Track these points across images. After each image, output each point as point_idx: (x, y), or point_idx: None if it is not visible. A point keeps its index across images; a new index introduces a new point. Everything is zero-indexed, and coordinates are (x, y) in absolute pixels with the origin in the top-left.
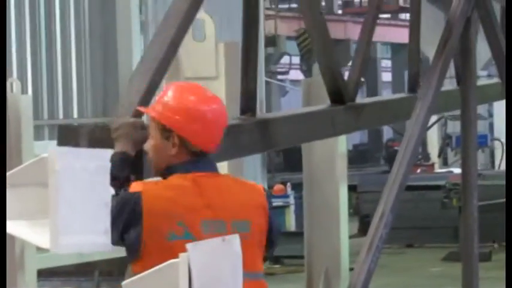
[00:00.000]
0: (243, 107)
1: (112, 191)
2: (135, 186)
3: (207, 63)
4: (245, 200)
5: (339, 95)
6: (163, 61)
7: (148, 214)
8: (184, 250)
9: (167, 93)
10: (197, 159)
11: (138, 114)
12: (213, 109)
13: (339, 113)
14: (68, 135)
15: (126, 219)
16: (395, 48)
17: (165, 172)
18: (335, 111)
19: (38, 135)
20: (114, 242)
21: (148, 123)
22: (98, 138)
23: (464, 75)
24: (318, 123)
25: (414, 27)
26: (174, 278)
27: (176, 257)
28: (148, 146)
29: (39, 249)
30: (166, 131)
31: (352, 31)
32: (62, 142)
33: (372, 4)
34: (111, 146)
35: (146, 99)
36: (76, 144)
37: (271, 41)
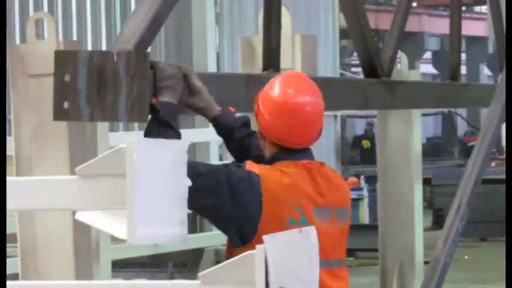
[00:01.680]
0: (265, 63)
1: (189, 181)
2: (250, 166)
3: (283, 54)
4: (344, 188)
5: (372, 69)
6: None
7: (269, 198)
8: None
9: (266, 87)
10: (298, 150)
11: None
12: (301, 104)
13: (372, 86)
14: (66, 60)
15: (242, 197)
16: (470, 41)
17: (270, 158)
18: (368, 83)
19: (113, 126)
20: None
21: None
22: (96, 63)
23: None
24: (349, 93)
25: (454, 18)
26: (251, 269)
27: None
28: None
29: (114, 240)
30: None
31: (427, 24)
32: (60, 67)
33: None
34: (109, 72)
35: (150, 29)
36: (75, 68)
37: (346, 33)
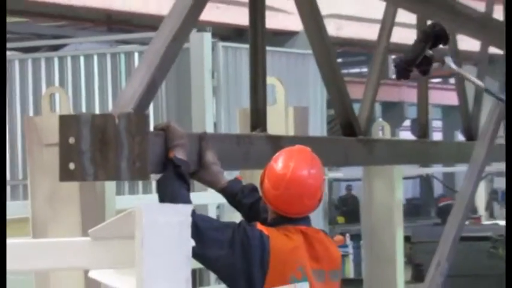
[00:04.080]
0: (253, 123)
1: (193, 242)
2: (260, 227)
3: (278, 124)
4: (335, 253)
5: (350, 128)
6: (165, 57)
7: (276, 258)
8: None
9: (272, 160)
10: (300, 218)
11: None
12: (302, 176)
13: (350, 143)
14: (69, 123)
15: (253, 253)
16: (446, 110)
17: (274, 220)
18: (347, 141)
19: (119, 190)
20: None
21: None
22: (99, 125)
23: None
24: (330, 150)
25: (422, 86)
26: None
27: None
28: None
29: None
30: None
31: (407, 94)
32: (64, 130)
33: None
34: (110, 133)
35: (148, 92)
36: (78, 131)
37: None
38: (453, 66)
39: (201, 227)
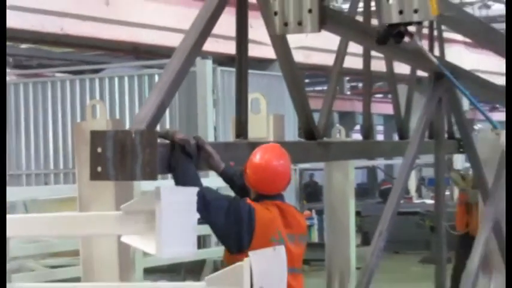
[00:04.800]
0: (237, 132)
1: (197, 215)
2: (249, 201)
3: (261, 129)
4: (303, 222)
5: (311, 134)
6: (171, 87)
7: (260, 225)
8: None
9: (252, 153)
10: (274, 194)
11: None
12: (273, 164)
13: (311, 146)
14: (98, 137)
15: (244, 221)
16: (386, 118)
17: (256, 197)
18: (309, 144)
19: None
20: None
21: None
22: (120, 139)
23: (437, 134)
24: (296, 151)
25: (366, 98)
26: (241, 274)
27: None
28: None
29: (145, 255)
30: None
31: (357, 106)
32: (94, 142)
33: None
34: (128, 145)
35: (157, 113)
36: (104, 143)
37: None
38: (418, 42)
39: (207, 197)
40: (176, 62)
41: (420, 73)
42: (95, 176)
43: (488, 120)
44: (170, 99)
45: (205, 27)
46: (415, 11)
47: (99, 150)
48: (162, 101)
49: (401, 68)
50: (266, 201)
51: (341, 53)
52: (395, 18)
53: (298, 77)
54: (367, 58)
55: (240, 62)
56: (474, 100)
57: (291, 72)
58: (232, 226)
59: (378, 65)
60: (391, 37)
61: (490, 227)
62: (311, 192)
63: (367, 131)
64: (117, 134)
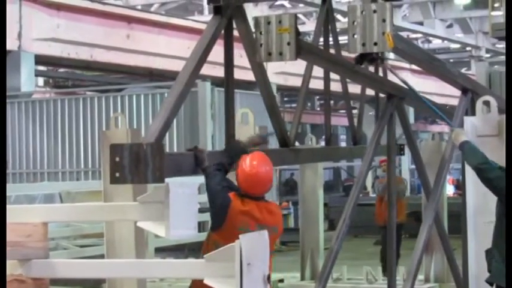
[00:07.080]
0: (228, 142)
1: (198, 205)
2: (232, 195)
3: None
4: (278, 216)
5: (284, 142)
6: (175, 106)
7: (232, 213)
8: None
9: (242, 160)
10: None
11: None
12: (257, 171)
13: (285, 152)
14: (117, 149)
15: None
16: (346, 128)
17: (242, 194)
18: (282, 150)
19: None
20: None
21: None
22: (134, 150)
23: (389, 140)
24: (274, 156)
25: (327, 112)
26: (232, 253)
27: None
28: None
29: (156, 236)
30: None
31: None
32: (113, 153)
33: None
34: (141, 155)
35: (164, 128)
36: (121, 154)
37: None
38: (388, 67)
39: (216, 179)
40: (178, 85)
41: (369, 92)
42: (114, 180)
43: (446, 121)
44: (174, 115)
45: (202, 56)
46: (375, 44)
47: (117, 159)
48: (168, 117)
49: (355, 89)
50: (247, 200)
51: (306, 77)
52: (359, 50)
53: (273, 97)
54: (327, 81)
55: (228, 84)
56: (435, 108)
57: (267, 93)
58: (212, 207)
59: (337, 86)
60: (365, 61)
61: (432, 217)
62: (291, 187)
63: (329, 139)
64: (132, 146)
